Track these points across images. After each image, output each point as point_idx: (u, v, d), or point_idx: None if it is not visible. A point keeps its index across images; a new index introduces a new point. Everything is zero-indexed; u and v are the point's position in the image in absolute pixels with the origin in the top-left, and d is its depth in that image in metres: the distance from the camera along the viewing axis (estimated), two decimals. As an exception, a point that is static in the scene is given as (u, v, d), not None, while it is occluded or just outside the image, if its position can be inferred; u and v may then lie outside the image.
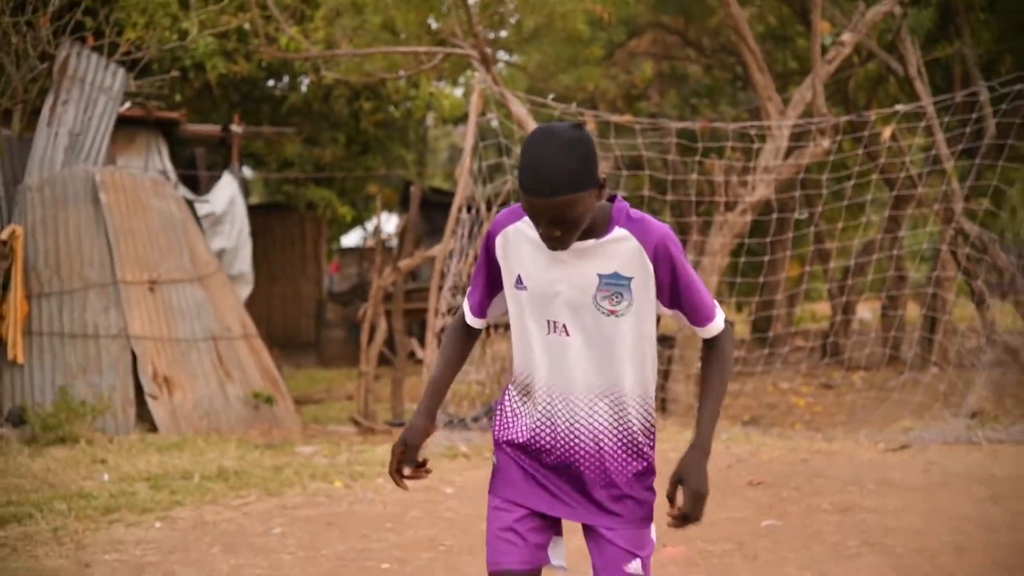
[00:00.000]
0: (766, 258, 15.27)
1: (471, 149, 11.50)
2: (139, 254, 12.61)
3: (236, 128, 16.88)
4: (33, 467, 9.62)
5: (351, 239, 30.98)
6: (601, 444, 3.34)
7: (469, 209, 11.84)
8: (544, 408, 3.37)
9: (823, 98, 14.25)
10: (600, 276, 3.22)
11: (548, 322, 3.29)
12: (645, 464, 3.38)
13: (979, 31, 17.11)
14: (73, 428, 11.02)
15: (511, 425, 3.46)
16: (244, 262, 16.07)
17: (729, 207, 13.65)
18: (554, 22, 13.62)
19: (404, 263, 14.16)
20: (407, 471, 3.52)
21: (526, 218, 3.30)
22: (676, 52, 21.37)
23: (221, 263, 14.40)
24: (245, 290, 15.71)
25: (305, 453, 10.50)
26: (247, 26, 14.06)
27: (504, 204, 13.02)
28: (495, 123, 13.27)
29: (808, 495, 8.28)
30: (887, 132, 16.47)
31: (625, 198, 3.33)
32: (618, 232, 3.22)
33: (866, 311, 24.58)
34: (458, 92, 20.02)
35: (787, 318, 21.70)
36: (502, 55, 16.85)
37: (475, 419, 12.13)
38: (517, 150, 13.30)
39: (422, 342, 12.27)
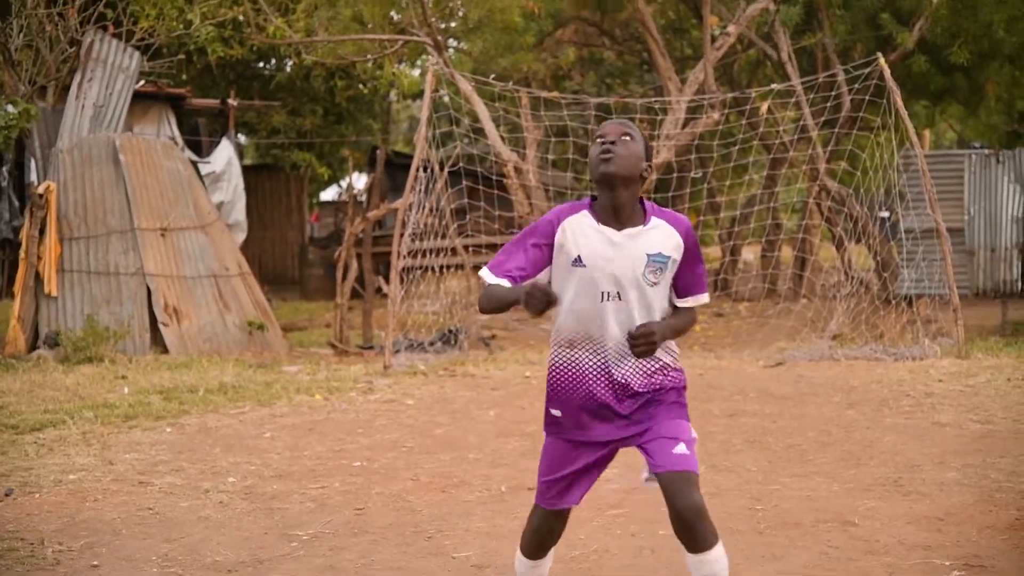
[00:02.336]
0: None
1: (426, 120, 11.33)
2: (152, 205, 12.38)
3: (232, 102, 16.64)
4: (66, 381, 9.46)
5: (328, 194, 30.68)
6: (628, 380, 3.46)
7: (425, 169, 11.69)
8: (582, 354, 3.46)
9: (713, 78, 14.19)
10: (648, 255, 3.40)
11: (603, 292, 3.39)
12: (663, 363, 3.49)
13: (837, 24, 17.08)
14: (99, 350, 10.90)
15: (564, 386, 3.52)
16: (240, 212, 15.85)
17: (638, 168, 13.58)
18: (494, 15, 13.45)
19: (372, 214, 13.99)
20: (543, 296, 3.22)
21: (585, 210, 3.44)
22: (594, 40, 21.20)
23: (220, 213, 14.16)
24: (240, 236, 15.49)
25: (291, 371, 10.38)
26: (241, 17, 13.78)
27: (455, 166, 12.87)
28: (446, 98, 13.08)
29: (703, 403, 8.29)
30: (764, 107, 16.45)
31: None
32: (655, 221, 3.42)
33: (749, 253, 24.68)
34: (415, 72, 19.72)
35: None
36: (451, 42, 16.61)
37: (431, 343, 12.04)
38: (466, 120, 13.15)
39: (387, 279, 12.13)
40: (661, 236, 3.41)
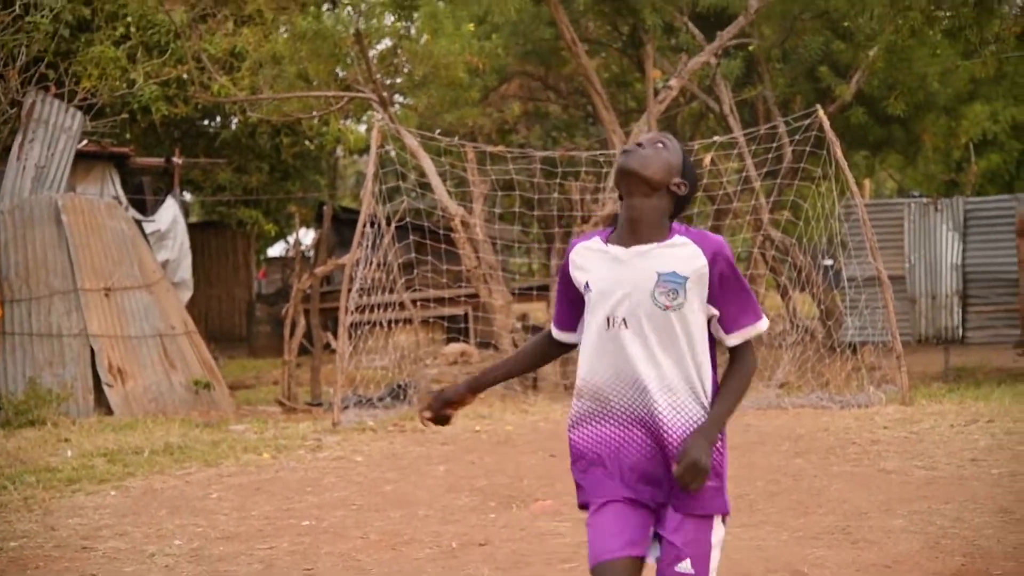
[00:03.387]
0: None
1: (372, 175, 11.38)
2: (96, 266, 12.26)
3: (177, 160, 16.56)
4: (7, 446, 9.29)
5: (276, 250, 30.57)
6: (662, 429, 2.95)
7: (372, 224, 11.70)
8: (611, 400, 3.01)
9: (656, 131, 14.36)
10: (659, 274, 2.96)
11: (608, 318, 2.99)
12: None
13: (776, 77, 17.42)
14: (41, 413, 10.72)
15: (589, 447, 3.06)
16: (185, 271, 15.72)
17: (585, 220, 13.70)
18: (439, 71, 13.52)
19: (319, 270, 13.96)
20: (428, 413, 3.26)
21: (596, 237, 3.10)
22: (539, 94, 21.40)
23: (165, 272, 14.05)
24: (186, 294, 15.35)
25: (238, 430, 10.28)
26: (185, 76, 13.76)
27: (402, 220, 12.91)
28: (393, 153, 13.15)
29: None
30: (707, 158, 16.66)
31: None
32: (678, 239, 3.00)
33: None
34: (362, 128, 19.80)
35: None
36: (397, 98, 16.71)
37: (380, 398, 11.99)
38: (412, 175, 13.20)
39: (335, 335, 12.09)
40: (680, 254, 2.98)
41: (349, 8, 15.09)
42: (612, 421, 3.00)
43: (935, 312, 14.28)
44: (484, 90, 17.77)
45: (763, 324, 3.04)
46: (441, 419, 3.27)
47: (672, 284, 2.95)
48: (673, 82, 14.03)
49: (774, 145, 15.00)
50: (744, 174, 16.03)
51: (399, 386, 12.27)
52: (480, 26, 15.46)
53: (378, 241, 12.11)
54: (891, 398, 10.49)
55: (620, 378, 2.98)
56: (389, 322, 12.48)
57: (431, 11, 13.14)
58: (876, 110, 17.45)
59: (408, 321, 13.94)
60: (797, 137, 13.82)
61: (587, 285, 3.05)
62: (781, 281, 16.53)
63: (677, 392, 2.95)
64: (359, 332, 11.99)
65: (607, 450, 3.01)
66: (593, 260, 3.07)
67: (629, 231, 3.02)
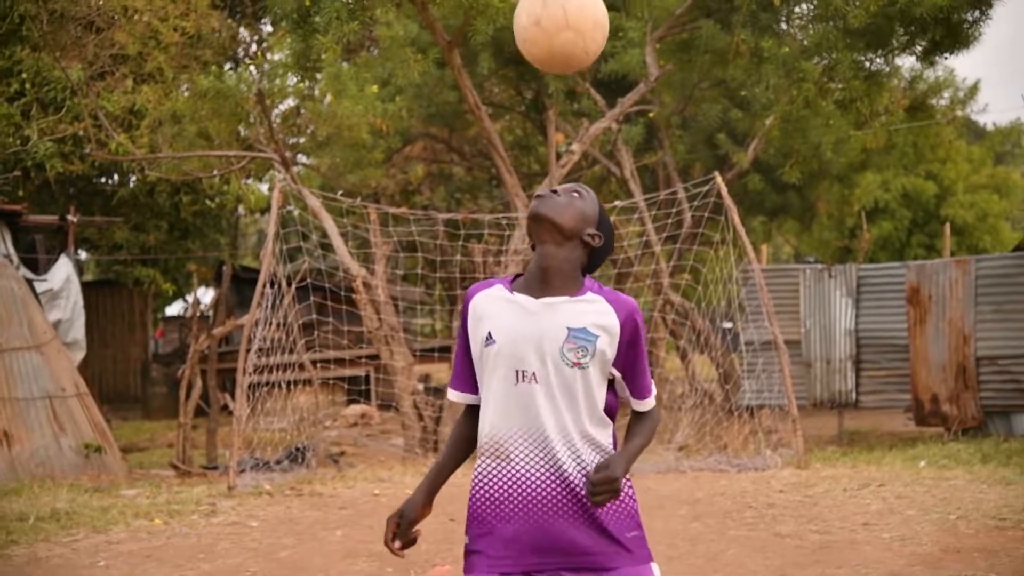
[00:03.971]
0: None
1: (273, 235, 11.29)
2: (-17, 325, 11.91)
3: (72, 218, 16.20)
4: None
5: (173, 309, 30.04)
6: (570, 485, 2.89)
7: (272, 284, 11.60)
8: (517, 457, 2.91)
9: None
10: (569, 329, 2.88)
11: (517, 372, 2.89)
12: (628, 511, 2.96)
13: (676, 143, 17.81)
14: (-80, 478, 10.28)
15: (490, 511, 2.95)
16: (78, 331, 15.34)
17: (487, 282, 13.74)
18: (342, 132, 13.54)
19: (218, 330, 13.75)
20: (398, 543, 3.10)
21: (498, 284, 3.00)
22: (442, 156, 21.55)
23: (58, 332, 13.70)
24: (79, 355, 14.97)
25: (129, 495, 10.01)
26: (81, 133, 13.55)
27: (303, 281, 12.81)
28: (295, 214, 13.07)
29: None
30: (610, 222, 16.89)
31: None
32: (590, 296, 2.94)
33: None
34: (263, 187, 19.67)
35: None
36: (300, 158, 16.65)
37: (277, 462, 11.80)
38: (314, 236, 13.13)
39: (233, 396, 11.89)
40: (591, 310, 2.92)
41: (252, 68, 15.08)
42: (516, 480, 2.90)
43: (830, 376, 14.60)
44: (387, 151, 17.84)
45: (654, 394, 3.07)
46: (410, 544, 3.12)
47: (582, 341, 2.87)
48: (575, 146, 14.22)
49: (674, 210, 15.26)
50: (645, 238, 16.31)
51: (297, 449, 12.09)
52: (384, 88, 15.55)
53: (278, 301, 11.99)
54: (787, 461, 10.66)
55: (527, 434, 2.89)
56: (288, 383, 12.32)
57: (334, 72, 13.17)
58: (772, 177, 17.92)
59: (308, 382, 13.78)
60: (696, 203, 14.11)
61: (489, 336, 2.94)
62: (681, 344, 16.75)
63: (581, 449, 2.89)
64: (257, 393, 11.81)
65: (511, 510, 2.90)
66: (496, 309, 2.96)
67: (539, 280, 2.94)
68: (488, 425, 2.94)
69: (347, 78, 13.39)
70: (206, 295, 26.78)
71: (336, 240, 12.97)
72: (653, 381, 3.07)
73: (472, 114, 13.79)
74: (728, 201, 11.87)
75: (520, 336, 2.90)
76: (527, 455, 2.89)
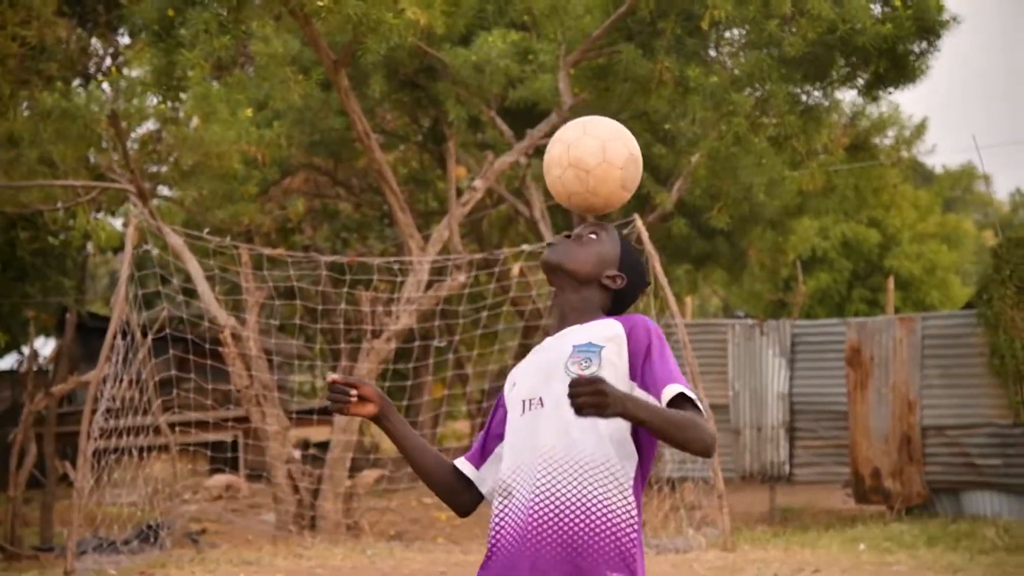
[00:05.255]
0: (410, 382, 15.35)
1: (127, 279, 11.11)
2: None
3: None
4: None
5: (6, 362, 29.31)
6: (567, 521, 2.92)
7: (125, 335, 11.39)
8: (517, 491, 3.00)
9: (459, 236, 14.57)
10: (575, 346, 3.03)
11: (523, 402, 3.07)
12: (613, 562, 2.91)
13: (592, 181, 17.95)
14: None
15: (501, 546, 3.02)
16: None
17: (375, 335, 13.67)
18: (210, 160, 13.40)
19: (57, 388, 13.45)
20: (337, 376, 3.16)
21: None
22: (327, 190, 21.48)
23: None
24: None
25: (-54, 581, 9.68)
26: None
27: (161, 331, 12.61)
28: (153, 254, 12.89)
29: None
30: (516, 268, 16.97)
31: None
32: (604, 319, 3.10)
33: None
34: (117, 223, 19.37)
35: (432, 437, 21.83)
36: (161, 189, 16.45)
37: (125, 542, 11.54)
38: (175, 281, 12.94)
39: (74, 464, 11.61)
40: (600, 327, 3.07)
41: (104, 85, 14.88)
42: (518, 518, 2.97)
43: (760, 446, 14.77)
44: (263, 184, 17.70)
45: (682, 389, 2.95)
46: (341, 393, 3.16)
47: (586, 353, 2.99)
48: (478, 182, 14.30)
49: (589, 256, 15.39)
50: (556, 287, 16.40)
51: (150, 526, 11.83)
52: (260, 111, 15.45)
53: (131, 354, 11.79)
54: (712, 542, 10.74)
55: (526, 463, 2.99)
56: (141, 450, 12.09)
57: (202, 92, 13.05)
58: (699, 221, 18.18)
59: (164, 449, 13.52)
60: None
61: (513, 385, 3.14)
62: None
63: (592, 476, 2.92)
64: (104, 461, 11.54)
65: (512, 553, 2.96)
66: (522, 364, 3.18)
67: (557, 323, 3.15)
68: (502, 467, 3.08)
69: (217, 99, 13.27)
70: (45, 346, 26.20)
71: (201, 285, 12.80)
72: (698, 397, 3.01)
73: (361, 143, 13.78)
74: (649, 247, 12.01)
75: (533, 370, 3.11)
76: (526, 485, 2.98)
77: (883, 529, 11.96)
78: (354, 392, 3.17)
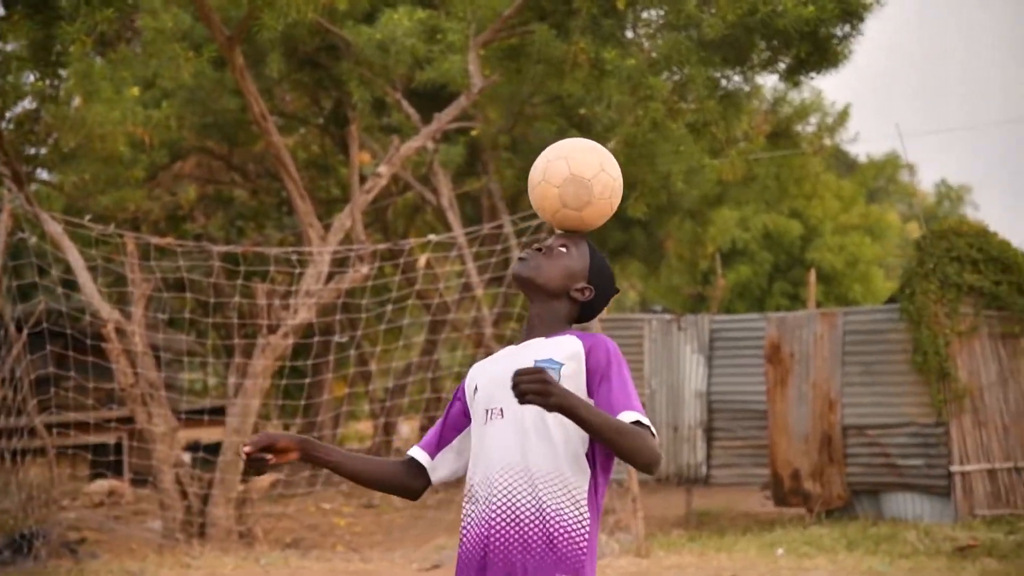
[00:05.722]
0: (308, 380, 15.19)
1: (0, 269, 10.83)
2: None
3: None
4: None
5: None
6: (521, 527, 3.22)
7: (-2, 330, 11.13)
8: (481, 498, 3.29)
9: (362, 225, 14.44)
10: (535, 361, 3.27)
11: (486, 411, 3.32)
12: (561, 564, 3.20)
13: (504, 168, 17.96)
14: None
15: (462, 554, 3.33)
16: None
17: (272, 330, 13.51)
18: (93, 142, 13.11)
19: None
20: (248, 447, 3.32)
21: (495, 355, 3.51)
22: (221, 176, 21.18)
23: None
24: None
25: None
26: None
27: (38, 326, 12.32)
28: (31, 242, 12.62)
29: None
30: (423, 260, 16.89)
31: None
32: (566, 336, 3.34)
33: (407, 429, 24.96)
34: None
35: (332, 438, 21.66)
36: (39, 173, 16.09)
37: (-4, 552, 11.29)
38: (54, 271, 12.67)
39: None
40: (562, 343, 3.33)
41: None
42: (479, 523, 3.27)
43: (677, 447, 14.82)
44: (151, 168, 17.42)
45: (637, 416, 3.15)
46: (257, 461, 3.35)
47: (546, 368, 3.19)
48: (383, 168, 14.16)
49: (500, 247, 15.36)
50: (465, 279, 16.34)
51: (23, 536, 11.57)
52: (147, 91, 15.18)
53: (4, 351, 11.55)
54: (625, 548, 10.75)
55: (489, 471, 3.27)
56: (15, 453, 11.86)
57: (84, 69, 12.74)
58: (615, 211, 18.22)
59: (41, 452, 13.25)
60: (526, 238, 14.20)
61: (477, 388, 3.40)
62: (505, 407, 16.77)
63: (547, 488, 3.21)
64: (-26, 467, 11.30)
65: (472, 555, 3.28)
66: (487, 363, 3.46)
67: (525, 332, 3.45)
68: (469, 471, 3.38)
69: (100, 77, 12.98)
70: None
71: (82, 276, 12.54)
72: (646, 418, 3.19)
73: (258, 126, 13.61)
74: (561, 238, 11.98)
75: (494, 377, 3.34)
76: (486, 494, 3.27)
77: (802, 533, 12.07)
78: (269, 456, 3.35)
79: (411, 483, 3.51)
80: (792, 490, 13.88)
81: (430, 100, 15.63)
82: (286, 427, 22.59)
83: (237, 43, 12.24)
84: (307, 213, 14.00)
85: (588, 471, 3.24)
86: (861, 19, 12.82)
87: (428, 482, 3.51)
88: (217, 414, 16.11)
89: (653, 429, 3.18)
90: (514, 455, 3.23)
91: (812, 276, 16.08)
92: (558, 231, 3.49)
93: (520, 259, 3.43)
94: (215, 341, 20.97)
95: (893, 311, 13.72)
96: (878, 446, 13.51)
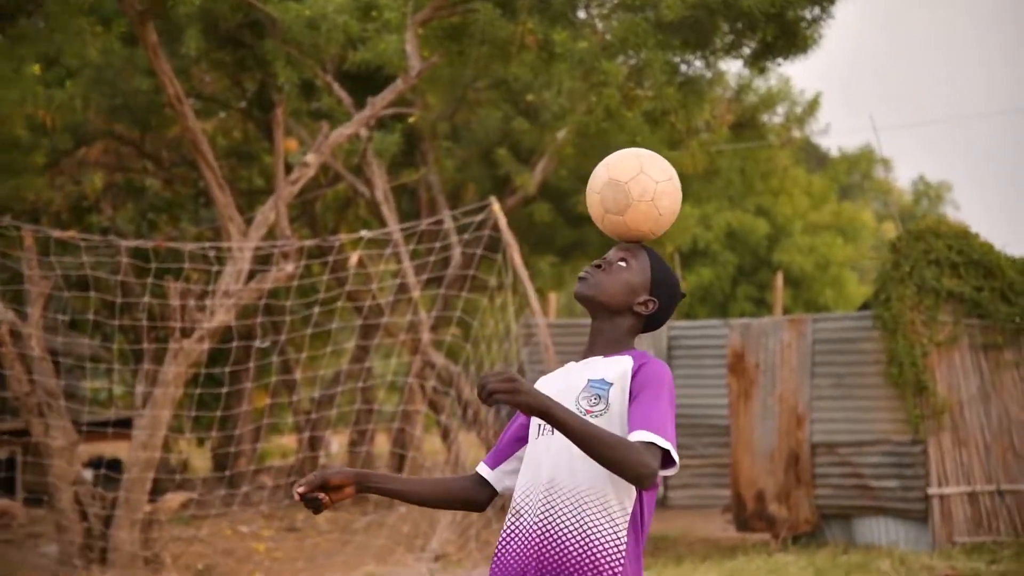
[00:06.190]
0: (226, 390, 15.07)
1: None
2: None
3: None
4: None
5: None
6: (561, 544, 3.49)
7: None
8: (525, 511, 3.58)
9: (287, 220, 14.33)
10: (589, 380, 3.57)
11: (539, 426, 3.63)
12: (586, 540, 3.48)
13: (444, 158, 17.92)
14: None
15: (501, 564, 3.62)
16: None
17: (186, 333, 13.37)
18: (-11, 125, 13.02)
19: None
20: (302, 488, 3.62)
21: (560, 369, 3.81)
22: (131, 163, 20.97)
23: None
24: None
25: None
26: None
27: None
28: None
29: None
30: (355, 257, 16.79)
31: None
32: (624, 356, 3.61)
33: (335, 444, 24.83)
34: None
35: (251, 453, 21.50)
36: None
37: None
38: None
39: None
40: (615, 363, 3.59)
41: None
42: (519, 536, 3.57)
43: (631, 465, 14.84)
44: (53, 154, 17.25)
45: (651, 437, 3.37)
46: (312, 501, 3.65)
47: (597, 389, 3.54)
48: (310, 157, 14.06)
49: (439, 244, 15.31)
50: (400, 280, 16.26)
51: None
52: (50, 69, 15.02)
53: None
54: None
55: (535, 486, 3.57)
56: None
57: (-21, 44, 12.66)
58: (565, 206, 18.25)
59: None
60: (468, 235, 14.17)
61: None
62: (443, 420, 16.74)
63: (586, 506, 3.49)
64: None
65: (509, 568, 3.57)
66: (547, 379, 3.77)
67: (589, 346, 3.72)
68: (516, 485, 3.68)
69: (-2, 54, 12.89)
70: None
71: (-27, 272, 12.38)
72: (662, 438, 3.40)
73: (172, 109, 13.49)
74: (507, 234, 11.98)
75: (550, 394, 3.49)
76: (532, 508, 3.56)
77: (767, 560, 12.09)
78: (323, 495, 3.65)
79: (476, 496, 3.84)
80: (756, 513, 13.91)
81: (364, 83, 15.56)
82: (200, 441, 22.46)
83: (150, 18, 12.13)
84: (226, 205, 13.87)
85: (633, 493, 3.51)
86: (832, 1, 12.87)
87: (494, 492, 3.85)
88: (123, 426, 15.91)
89: (669, 447, 3.39)
90: (560, 474, 3.52)
91: (779, 279, 16.19)
92: (618, 244, 3.77)
93: (580, 278, 3.71)
94: (122, 346, 20.72)
95: (866, 318, 13.78)
96: (850, 466, 13.55)
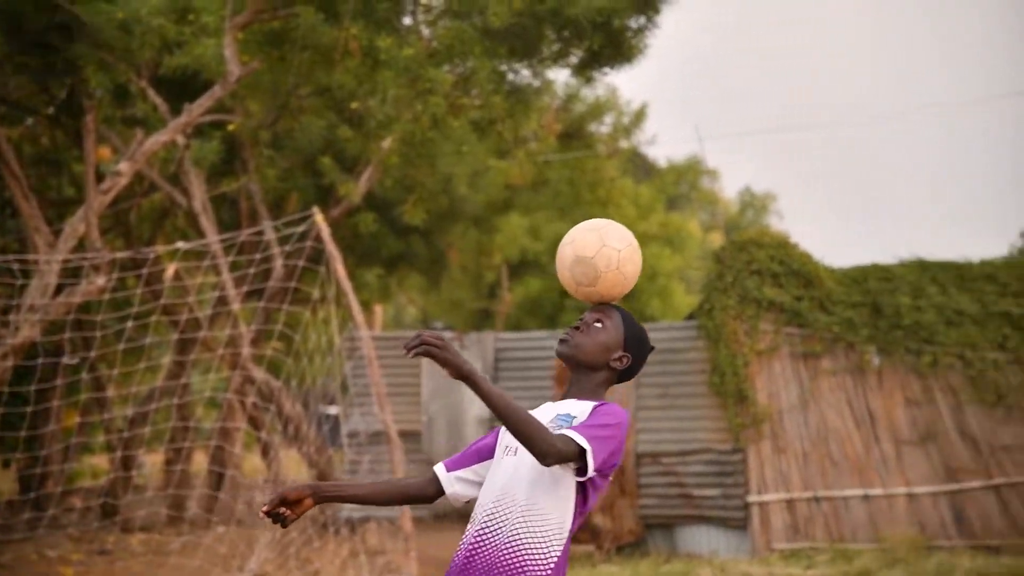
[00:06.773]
0: (31, 408, 14.83)
1: None
2: None
3: None
4: None
5: None
6: (496, 551, 4.00)
7: None
8: (478, 520, 4.07)
9: (98, 231, 14.18)
10: (557, 413, 4.14)
11: (504, 448, 4.17)
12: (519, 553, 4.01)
13: (265, 167, 17.86)
14: None
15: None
16: None
17: (-14, 351, 13.16)
18: None
19: None
20: (265, 507, 4.11)
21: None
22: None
23: None
24: None
25: None
26: None
27: None
28: None
29: None
30: (171, 270, 16.66)
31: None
32: (592, 401, 4.17)
33: (149, 464, 24.49)
34: None
35: (60, 474, 21.13)
36: None
37: None
38: None
39: None
40: (581, 404, 4.16)
41: None
42: (466, 542, 4.06)
43: (456, 479, 14.98)
44: None
45: (581, 441, 3.91)
46: (277, 517, 4.13)
47: (561, 420, 4.08)
48: (123, 165, 13.95)
49: (259, 256, 15.27)
50: (219, 293, 16.19)
51: None
52: None
53: None
54: (398, 592, 10.83)
55: (489, 497, 4.09)
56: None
57: None
58: (391, 217, 18.32)
59: None
60: (290, 246, 14.20)
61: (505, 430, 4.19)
62: (263, 436, 16.69)
63: (529, 519, 4.01)
64: None
65: (452, 571, 4.05)
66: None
67: (565, 393, 4.28)
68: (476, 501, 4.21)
69: None
70: None
71: None
72: (582, 438, 3.93)
73: (-26, 114, 13.25)
74: (331, 246, 12.03)
75: None
76: (479, 519, 4.07)
77: (591, 572, 12.34)
78: (284, 509, 4.14)
79: (426, 490, 4.33)
80: (580, 525, 14.16)
81: (181, 89, 15.44)
82: (5, 463, 21.96)
83: (-48, 18, 11.91)
84: (33, 216, 13.69)
85: (571, 513, 4.07)
86: (657, 10, 13.19)
87: (442, 491, 4.31)
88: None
89: (586, 447, 3.91)
90: (513, 488, 4.06)
91: (606, 291, 16.40)
92: (591, 307, 4.30)
93: (561, 340, 4.26)
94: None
95: (692, 328, 14.14)
96: (673, 475, 13.89)
